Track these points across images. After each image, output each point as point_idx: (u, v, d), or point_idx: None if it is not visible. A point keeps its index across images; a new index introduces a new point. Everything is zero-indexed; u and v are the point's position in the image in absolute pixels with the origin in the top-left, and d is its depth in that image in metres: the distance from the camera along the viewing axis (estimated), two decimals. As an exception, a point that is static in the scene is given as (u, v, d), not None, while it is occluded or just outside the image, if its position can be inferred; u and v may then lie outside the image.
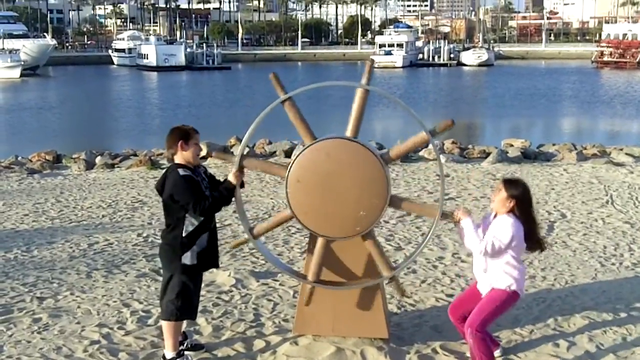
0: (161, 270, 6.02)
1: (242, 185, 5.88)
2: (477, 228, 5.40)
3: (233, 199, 5.71)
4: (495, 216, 5.39)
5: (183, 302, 5.53)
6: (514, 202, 5.26)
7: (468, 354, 5.74)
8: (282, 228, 10.49)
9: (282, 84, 5.68)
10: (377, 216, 5.54)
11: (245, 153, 5.83)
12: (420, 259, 8.63)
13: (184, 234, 5.45)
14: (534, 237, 5.40)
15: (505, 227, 5.23)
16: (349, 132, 5.67)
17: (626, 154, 17.66)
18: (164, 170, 5.60)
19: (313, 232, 5.67)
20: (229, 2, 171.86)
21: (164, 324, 5.63)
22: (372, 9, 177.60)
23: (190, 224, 5.46)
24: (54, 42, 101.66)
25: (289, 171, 5.57)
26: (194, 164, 5.56)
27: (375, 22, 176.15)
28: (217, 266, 5.97)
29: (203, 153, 19.06)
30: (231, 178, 5.66)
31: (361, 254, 5.83)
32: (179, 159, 5.53)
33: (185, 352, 5.75)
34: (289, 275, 6.40)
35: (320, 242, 5.69)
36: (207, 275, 8.14)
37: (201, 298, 7.31)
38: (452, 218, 5.58)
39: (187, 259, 5.49)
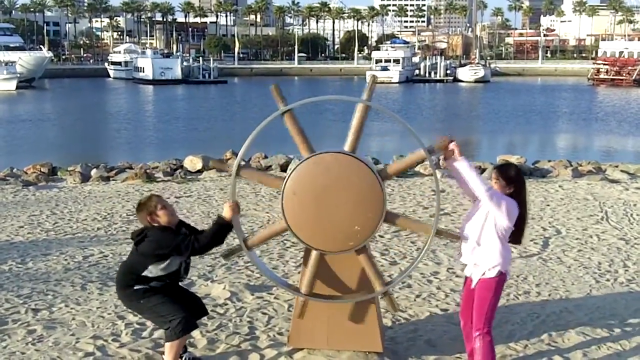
0: None
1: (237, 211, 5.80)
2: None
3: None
4: None
5: (174, 318, 5.46)
6: (513, 187, 5.29)
7: None
8: (277, 242, 10.50)
9: (283, 96, 5.72)
10: (371, 232, 5.55)
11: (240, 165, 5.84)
12: (415, 274, 8.64)
13: (144, 273, 5.47)
14: (522, 225, 5.39)
15: (505, 198, 5.23)
16: (347, 147, 5.70)
17: (621, 170, 17.73)
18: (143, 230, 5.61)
19: (307, 245, 5.68)
20: (226, 16, 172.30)
21: (167, 345, 5.57)
22: (369, 25, 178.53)
23: (153, 270, 5.46)
24: (50, 54, 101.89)
25: (285, 183, 5.59)
26: (173, 225, 5.57)
27: (372, 37, 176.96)
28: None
29: (199, 167, 18.89)
30: (225, 210, 5.62)
31: (356, 268, 5.83)
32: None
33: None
34: (281, 287, 6.39)
35: (314, 255, 5.70)
36: (202, 288, 8.16)
37: (196, 311, 7.33)
38: (441, 145, 5.46)
39: (141, 285, 5.49)
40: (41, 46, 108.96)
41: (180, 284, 5.78)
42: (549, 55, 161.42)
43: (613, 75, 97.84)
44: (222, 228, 5.54)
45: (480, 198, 5.26)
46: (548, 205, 13.29)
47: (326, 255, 5.73)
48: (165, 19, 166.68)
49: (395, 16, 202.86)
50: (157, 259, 5.42)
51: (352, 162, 5.53)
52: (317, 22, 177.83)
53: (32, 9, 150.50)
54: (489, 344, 5.40)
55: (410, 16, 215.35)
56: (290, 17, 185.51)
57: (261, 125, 5.63)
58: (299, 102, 5.80)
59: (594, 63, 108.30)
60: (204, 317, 6.85)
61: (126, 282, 5.54)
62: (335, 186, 5.50)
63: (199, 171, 18.33)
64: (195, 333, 6.67)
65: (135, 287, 5.48)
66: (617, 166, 18.68)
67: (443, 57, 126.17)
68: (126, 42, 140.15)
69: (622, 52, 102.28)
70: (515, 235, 5.43)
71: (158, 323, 5.58)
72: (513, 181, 5.30)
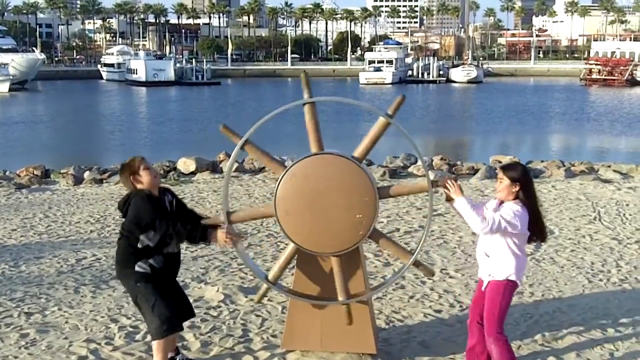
0: None
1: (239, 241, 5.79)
2: (474, 207, 5.31)
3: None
4: (500, 204, 5.37)
5: (161, 314, 5.43)
6: (519, 186, 5.27)
7: None
8: (271, 243, 10.51)
9: (310, 87, 5.75)
10: (373, 213, 5.55)
11: (228, 212, 5.81)
12: (409, 275, 8.65)
13: (139, 246, 5.41)
14: (539, 223, 5.38)
15: (512, 210, 5.21)
16: (313, 149, 5.71)
17: (614, 170, 17.78)
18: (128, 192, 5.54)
19: (325, 254, 5.69)
20: (219, 17, 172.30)
21: (154, 343, 5.56)
22: (361, 26, 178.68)
23: (144, 240, 5.41)
24: (42, 56, 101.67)
25: (275, 209, 5.60)
26: (155, 189, 5.51)
27: (364, 38, 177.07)
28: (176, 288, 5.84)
29: (192, 168, 18.75)
30: (219, 236, 5.53)
31: (348, 268, 5.84)
32: (140, 187, 5.53)
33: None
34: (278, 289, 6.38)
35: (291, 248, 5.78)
36: (195, 291, 8.15)
37: (189, 313, 7.32)
38: (444, 188, 5.44)
39: (140, 267, 5.42)
40: (34, 48, 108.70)
41: (177, 279, 5.77)
42: (541, 55, 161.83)
43: (605, 76, 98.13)
44: (201, 234, 5.47)
45: (483, 234, 5.29)
46: (541, 205, 13.28)
47: (325, 256, 5.74)
48: (158, 21, 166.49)
49: (387, 17, 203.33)
50: (142, 229, 5.36)
51: (324, 160, 5.58)
52: (309, 23, 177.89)
53: (24, 11, 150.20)
54: (504, 344, 5.38)
55: (403, 17, 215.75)
56: (283, 19, 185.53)
57: (279, 110, 5.68)
58: (327, 98, 5.88)
59: (586, 63, 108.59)
60: (197, 320, 6.86)
61: (126, 259, 5.46)
62: (321, 188, 5.53)
63: (192, 173, 18.32)
64: (189, 336, 6.68)
65: (136, 268, 5.42)
66: (609, 166, 18.73)
67: (436, 57, 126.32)
68: (119, 44, 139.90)
69: (614, 52, 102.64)
70: (538, 234, 5.43)
71: (144, 312, 5.50)
72: (517, 180, 5.26)
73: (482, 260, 5.47)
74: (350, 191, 5.52)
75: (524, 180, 5.30)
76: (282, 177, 5.60)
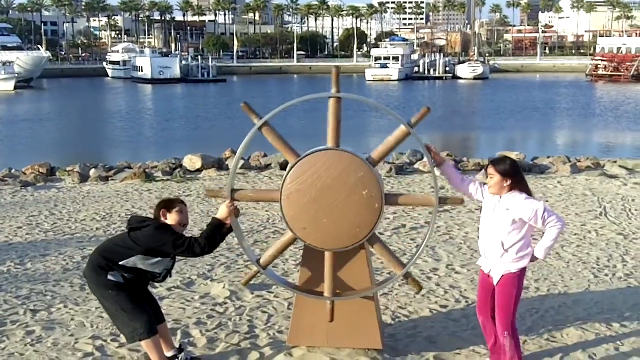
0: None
1: (237, 214, 5.79)
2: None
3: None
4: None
5: (137, 319, 5.45)
6: (510, 180, 5.26)
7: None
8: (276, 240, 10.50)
9: (256, 112, 5.76)
10: (376, 219, 5.54)
11: (234, 187, 5.82)
12: (415, 271, 8.64)
13: (121, 263, 5.44)
14: None
15: (526, 200, 5.24)
16: (330, 143, 5.69)
17: (620, 166, 17.73)
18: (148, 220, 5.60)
19: (320, 249, 5.69)
20: (225, 14, 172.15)
21: (142, 344, 5.59)
22: (368, 22, 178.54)
23: (134, 261, 5.43)
24: (48, 54, 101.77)
25: (281, 195, 5.60)
26: (178, 230, 5.54)
27: (371, 35, 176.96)
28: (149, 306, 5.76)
29: (198, 166, 18.74)
30: (221, 210, 5.59)
31: (354, 264, 5.84)
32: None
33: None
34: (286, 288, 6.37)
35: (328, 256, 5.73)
36: (202, 288, 8.17)
37: (195, 310, 7.36)
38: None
39: (113, 276, 5.45)
40: (39, 46, 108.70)
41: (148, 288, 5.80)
42: (547, 51, 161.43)
43: (611, 71, 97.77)
44: (217, 229, 5.51)
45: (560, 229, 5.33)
46: (547, 201, 13.28)
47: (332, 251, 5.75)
48: (163, 18, 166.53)
49: (394, 14, 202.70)
50: (146, 252, 5.40)
51: (337, 155, 5.56)
52: (316, 20, 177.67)
53: (29, 9, 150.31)
54: (518, 338, 5.48)
55: (409, 13, 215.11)
56: (289, 15, 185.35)
57: (305, 98, 5.78)
58: (357, 97, 6.01)
59: (592, 59, 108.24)
60: (203, 316, 6.90)
61: (100, 266, 5.47)
62: (328, 185, 5.52)
63: (199, 170, 18.32)
64: (195, 332, 6.70)
65: (108, 277, 5.43)
66: (615, 162, 18.68)
67: (442, 54, 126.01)
68: (124, 42, 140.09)
69: (620, 48, 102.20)
70: None
71: (116, 318, 5.52)
72: (508, 174, 5.26)
73: (496, 253, 5.39)
74: (358, 193, 5.51)
75: (514, 174, 5.29)
76: (294, 165, 5.59)
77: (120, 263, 5.43)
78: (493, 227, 5.39)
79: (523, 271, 5.41)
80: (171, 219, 5.48)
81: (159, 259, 5.46)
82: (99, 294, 5.58)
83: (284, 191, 5.59)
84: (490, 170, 5.35)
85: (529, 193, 5.33)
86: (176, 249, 5.36)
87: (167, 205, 5.57)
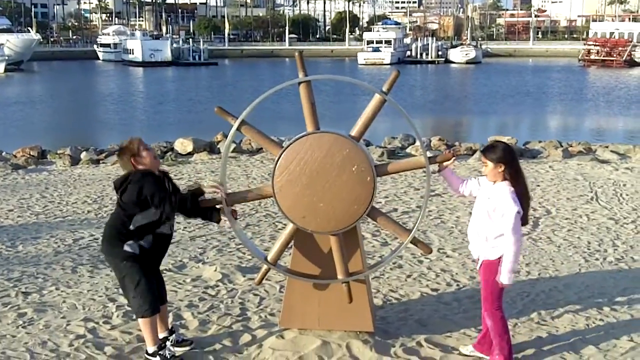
0: None
1: (235, 215, 5.83)
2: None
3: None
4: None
5: (142, 297, 5.47)
6: (503, 166, 5.24)
7: (464, 348, 5.85)
8: (269, 223, 10.52)
9: (304, 66, 5.72)
10: (372, 191, 5.53)
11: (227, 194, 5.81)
12: (406, 254, 8.67)
13: (131, 227, 5.42)
14: (524, 204, 5.29)
15: (507, 197, 5.20)
16: (309, 128, 5.67)
17: (611, 151, 17.77)
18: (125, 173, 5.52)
19: (324, 233, 5.69)
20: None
21: (140, 321, 5.61)
22: (360, 5, 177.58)
23: (140, 219, 5.42)
24: (38, 37, 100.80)
25: (273, 189, 5.61)
26: (156, 170, 5.52)
27: (363, 18, 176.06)
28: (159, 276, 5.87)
29: (189, 149, 18.72)
30: (207, 185, 5.65)
31: (347, 247, 5.85)
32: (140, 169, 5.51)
33: (168, 345, 5.73)
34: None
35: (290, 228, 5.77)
36: (193, 270, 8.18)
37: (187, 293, 7.37)
38: (444, 159, 5.64)
39: (130, 247, 5.43)
40: (29, 28, 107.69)
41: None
42: (540, 36, 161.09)
43: (604, 56, 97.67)
44: (192, 197, 5.51)
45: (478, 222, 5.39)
46: (538, 185, 13.33)
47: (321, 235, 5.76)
48: (154, 0, 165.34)
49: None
50: (142, 206, 5.37)
51: (318, 138, 5.55)
52: (307, 3, 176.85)
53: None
54: (500, 320, 5.45)
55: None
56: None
57: (273, 90, 5.69)
58: (322, 76, 5.89)
59: (584, 44, 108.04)
60: (195, 299, 6.92)
61: (116, 237, 5.46)
62: (320, 168, 5.52)
63: (190, 153, 18.28)
64: (187, 314, 6.71)
65: (125, 248, 5.43)
66: (607, 147, 18.72)
67: (434, 38, 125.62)
68: (115, 24, 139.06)
69: (613, 33, 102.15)
70: (522, 217, 5.40)
71: (128, 291, 5.52)
72: (500, 161, 5.23)
73: (476, 239, 5.45)
74: (347, 170, 5.51)
75: (506, 160, 5.25)
76: (279, 157, 5.59)
77: (131, 228, 5.41)
78: (476, 214, 5.43)
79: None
80: (146, 161, 5.45)
81: (153, 209, 5.40)
82: (114, 265, 5.57)
83: (275, 185, 5.60)
84: (483, 158, 5.35)
85: (520, 188, 5.26)
86: (160, 192, 5.33)
87: (131, 151, 5.45)
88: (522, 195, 5.28)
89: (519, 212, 5.17)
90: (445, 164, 5.66)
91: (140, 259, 5.48)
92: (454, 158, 5.65)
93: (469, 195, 5.69)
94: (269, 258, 5.94)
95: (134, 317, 5.59)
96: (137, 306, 5.50)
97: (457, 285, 7.64)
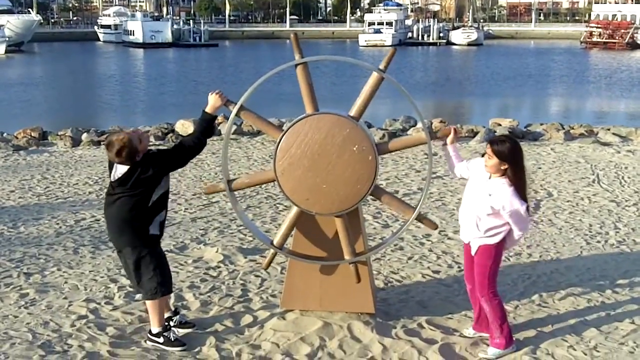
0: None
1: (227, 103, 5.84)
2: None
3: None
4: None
5: (162, 276, 5.51)
6: (507, 165, 5.20)
7: (466, 331, 5.88)
8: (270, 205, 10.52)
9: (300, 47, 5.75)
10: (374, 169, 5.53)
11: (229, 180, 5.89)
12: (407, 236, 8.68)
13: (149, 204, 5.42)
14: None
15: (511, 196, 5.18)
16: (308, 110, 5.66)
17: (613, 133, 17.72)
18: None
19: (328, 215, 5.69)
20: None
21: (149, 303, 5.62)
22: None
23: (158, 190, 5.46)
24: (38, 17, 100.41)
25: (275, 172, 5.61)
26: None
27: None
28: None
29: (190, 130, 18.86)
30: (212, 101, 5.78)
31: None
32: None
33: (172, 327, 5.74)
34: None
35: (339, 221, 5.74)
36: (195, 252, 8.19)
37: (189, 274, 7.39)
38: (445, 133, 5.74)
39: (153, 229, 5.49)
40: (30, 9, 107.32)
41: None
42: (542, 18, 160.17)
43: (606, 39, 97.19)
44: (209, 122, 5.74)
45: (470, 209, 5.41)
46: (540, 168, 13.31)
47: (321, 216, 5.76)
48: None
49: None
50: (158, 180, 5.44)
51: (317, 120, 5.54)
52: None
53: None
54: (498, 304, 5.46)
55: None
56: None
57: (270, 73, 5.66)
58: (318, 57, 5.84)
59: (587, 26, 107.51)
60: (197, 280, 6.94)
61: (137, 224, 5.42)
62: (322, 150, 5.51)
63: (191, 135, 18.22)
64: (188, 295, 6.73)
65: (150, 232, 5.47)
66: (609, 129, 18.66)
67: (436, 19, 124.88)
68: (116, 5, 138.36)
69: (615, 15, 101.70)
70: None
71: (144, 273, 5.48)
72: (506, 159, 5.16)
73: (472, 227, 5.40)
74: (348, 150, 5.49)
75: (512, 159, 5.18)
76: (280, 140, 5.57)
77: (149, 205, 5.41)
78: (473, 203, 5.37)
79: (501, 243, 5.38)
80: (142, 146, 5.46)
81: (162, 181, 5.49)
82: (131, 249, 5.46)
83: (277, 168, 5.59)
84: (489, 150, 5.24)
85: (520, 187, 5.22)
86: (170, 156, 5.53)
87: (136, 149, 5.39)
88: (520, 188, 5.24)
89: (527, 208, 5.20)
90: (448, 139, 5.68)
91: (159, 239, 5.58)
92: (454, 131, 5.68)
93: (459, 177, 5.71)
94: (275, 242, 5.92)
95: (141, 298, 5.58)
96: (153, 287, 5.49)
97: (458, 267, 7.65)
